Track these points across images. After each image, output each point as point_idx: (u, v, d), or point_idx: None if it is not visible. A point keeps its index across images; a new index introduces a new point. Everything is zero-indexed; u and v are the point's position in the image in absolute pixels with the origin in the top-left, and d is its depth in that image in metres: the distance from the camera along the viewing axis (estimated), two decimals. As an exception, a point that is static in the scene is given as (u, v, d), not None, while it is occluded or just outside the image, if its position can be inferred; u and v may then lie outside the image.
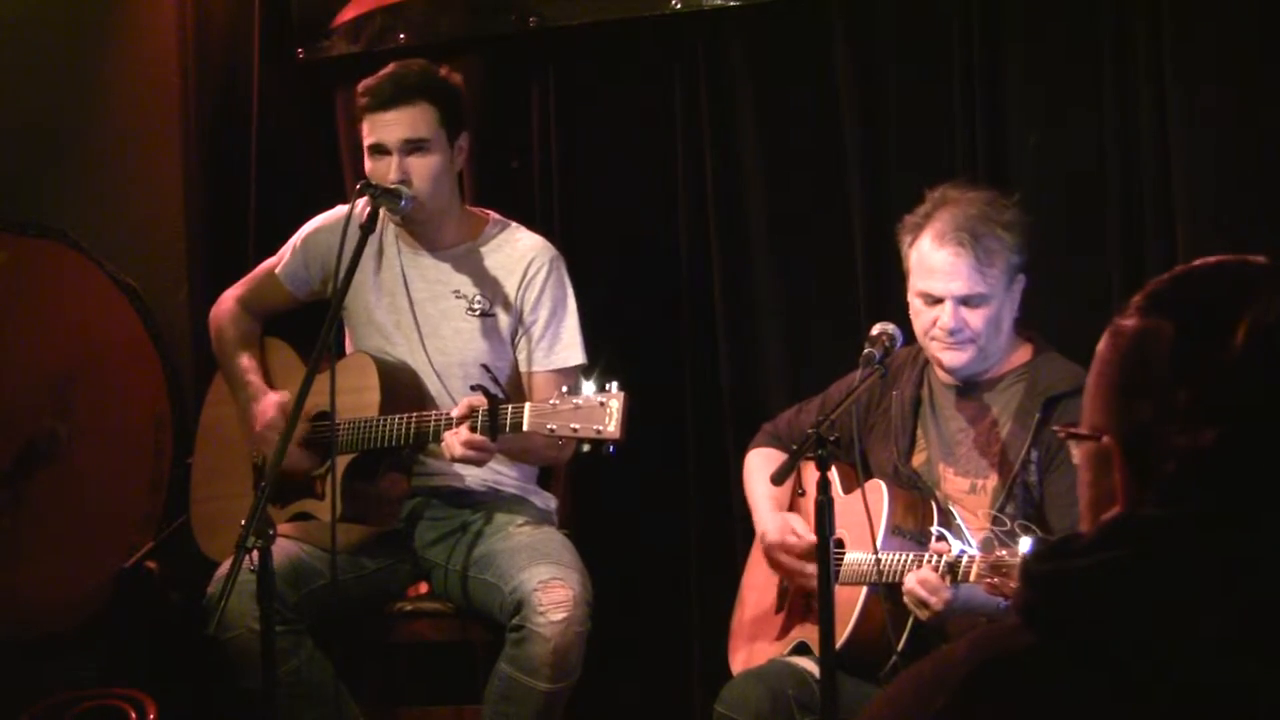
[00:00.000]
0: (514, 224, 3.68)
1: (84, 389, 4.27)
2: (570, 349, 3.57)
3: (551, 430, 3.09)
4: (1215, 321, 1.26)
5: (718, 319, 4.10)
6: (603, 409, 3.05)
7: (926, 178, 3.30)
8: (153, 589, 4.08)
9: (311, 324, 3.67)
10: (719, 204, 4.08)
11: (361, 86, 3.54)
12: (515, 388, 3.53)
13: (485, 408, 3.17)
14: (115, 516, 4.21)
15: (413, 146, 3.47)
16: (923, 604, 2.88)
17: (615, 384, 3.06)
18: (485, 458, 3.28)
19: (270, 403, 3.59)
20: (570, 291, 3.60)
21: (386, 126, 3.47)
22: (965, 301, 3.07)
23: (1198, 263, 1.34)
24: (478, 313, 3.57)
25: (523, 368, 3.57)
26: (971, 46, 3.75)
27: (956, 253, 3.05)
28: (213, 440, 3.82)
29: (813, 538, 3.18)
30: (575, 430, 3.07)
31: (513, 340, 3.59)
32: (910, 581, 2.90)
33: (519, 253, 3.60)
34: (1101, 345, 1.34)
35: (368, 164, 3.52)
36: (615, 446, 3.06)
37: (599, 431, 3.04)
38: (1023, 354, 3.19)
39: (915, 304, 3.15)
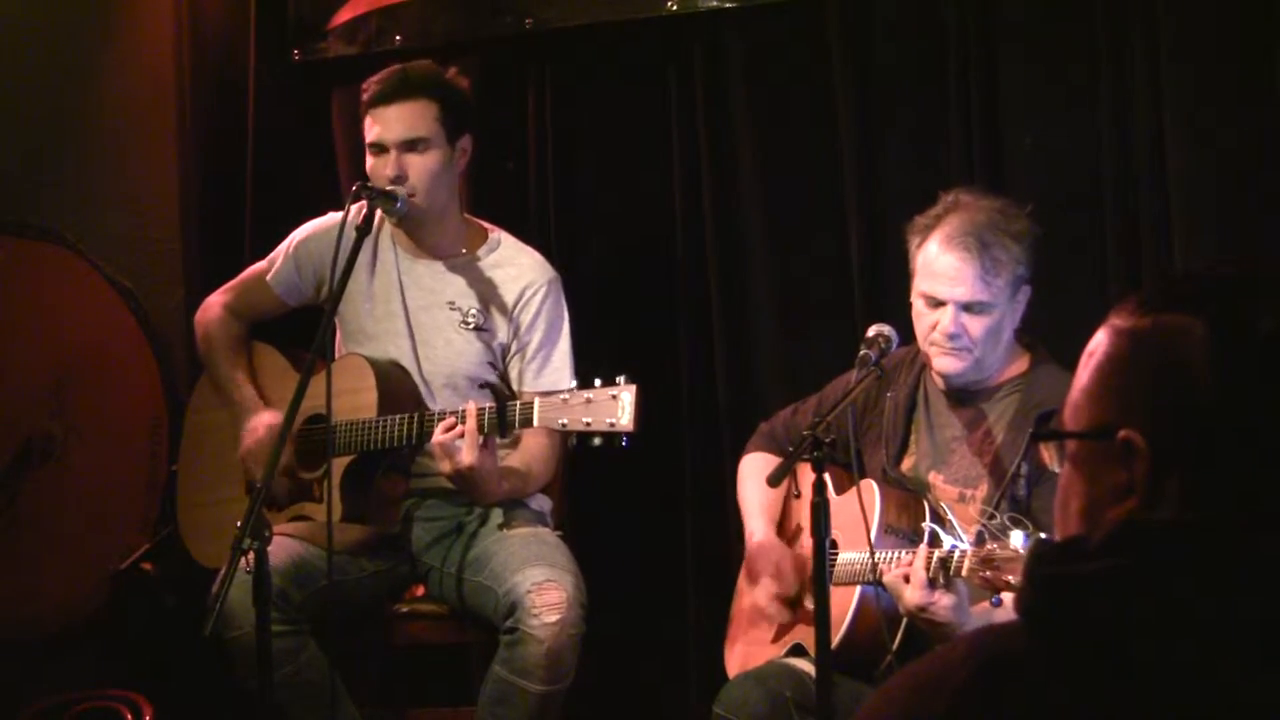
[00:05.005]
0: (515, 240, 3.66)
1: (80, 390, 4.27)
2: (560, 373, 3.53)
3: (564, 425, 3.07)
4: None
5: (714, 320, 4.09)
6: (615, 401, 3.03)
7: (923, 180, 3.30)
8: (149, 591, 4.08)
9: (295, 329, 3.68)
10: (715, 206, 4.08)
11: (366, 83, 3.54)
12: None
13: (493, 405, 3.16)
14: (111, 518, 4.21)
15: (411, 144, 3.46)
16: (900, 597, 2.88)
17: (624, 376, 3.05)
18: (463, 452, 3.21)
19: (260, 424, 3.55)
20: (566, 316, 3.58)
21: (387, 122, 3.46)
22: (968, 308, 3.04)
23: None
24: (471, 326, 3.55)
25: (514, 385, 3.54)
26: (968, 48, 3.75)
27: (963, 258, 3.02)
28: (202, 446, 3.80)
29: (793, 578, 3.20)
30: (588, 424, 3.05)
31: (504, 358, 3.57)
32: (887, 576, 2.90)
33: (518, 271, 3.58)
34: (1104, 344, 1.32)
35: (368, 161, 3.52)
36: (629, 439, 3.05)
37: (612, 425, 3.03)
38: (1020, 364, 3.16)
39: (917, 305, 3.12)
